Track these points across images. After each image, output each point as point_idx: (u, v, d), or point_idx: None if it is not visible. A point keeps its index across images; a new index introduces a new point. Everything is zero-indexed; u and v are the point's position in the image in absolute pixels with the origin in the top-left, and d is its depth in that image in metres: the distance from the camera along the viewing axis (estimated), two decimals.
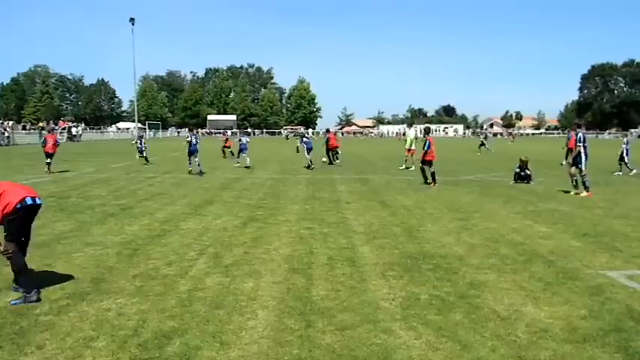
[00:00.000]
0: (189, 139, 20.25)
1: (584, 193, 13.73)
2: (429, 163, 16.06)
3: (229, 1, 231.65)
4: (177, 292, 5.74)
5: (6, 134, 49.82)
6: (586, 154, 14.09)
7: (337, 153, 25.47)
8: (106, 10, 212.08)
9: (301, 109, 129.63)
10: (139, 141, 26.61)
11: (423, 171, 16.27)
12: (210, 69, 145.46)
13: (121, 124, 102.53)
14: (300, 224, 9.67)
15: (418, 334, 4.65)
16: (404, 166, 22.73)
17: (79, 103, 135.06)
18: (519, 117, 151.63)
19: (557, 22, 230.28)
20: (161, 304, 5.38)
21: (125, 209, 11.35)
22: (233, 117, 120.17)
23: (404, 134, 37.07)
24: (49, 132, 27.56)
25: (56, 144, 21.62)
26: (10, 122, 68.89)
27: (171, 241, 8.24)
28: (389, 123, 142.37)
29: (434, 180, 15.96)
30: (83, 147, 46.09)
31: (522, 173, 16.85)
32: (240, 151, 24.29)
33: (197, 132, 30.02)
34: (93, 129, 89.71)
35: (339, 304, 5.40)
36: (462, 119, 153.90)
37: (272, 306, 5.33)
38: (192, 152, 19.84)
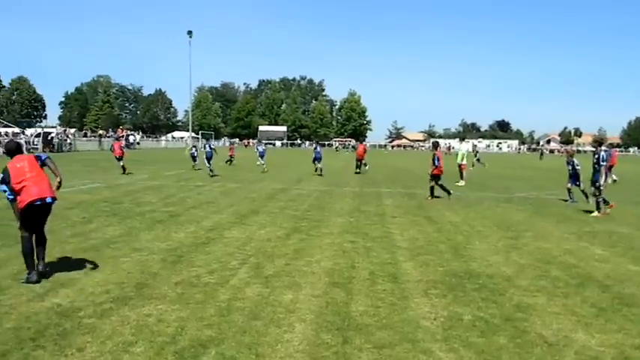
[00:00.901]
0: (206, 148, 25.70)
1: (596, 213, 13.25)
2: (438, 178, 15.91)
3: (284, 14, 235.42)
4: (216, 301, 5.77)
5: (68, 141, 52.12)
6: (606, 173, 14.08)
7: (362, 163, 28.08)
8: (165, 24, 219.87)
9: (351, 122, 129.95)
10: (193, 149, 29.92)
11: (441, 187, 16.01)
12: (263, 81, 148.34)
13: (176, 134, 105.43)
14: (343, 237, 9.60)
15: (459, 357, 4.49)
16: (462, 182, 21.88)
17: (138, 112, 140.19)
18: (578, 134, 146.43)
19: (620, 36, 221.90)
20: (200, 312, 5.41)
21: (173, 216, 11.59)
22: (283, 128, 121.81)
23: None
24: (116, 139, 32.25)
25: (122, 148, 25.38)
26: (73, 129, 72.01)
27: (214, 250, 8.33)
28: (440, 137, 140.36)
29: (432, 194, 15.85)
30: (139, 155, 47.55)
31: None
32: (261, 156, 29.78)
33: (211, 142, 37.81)
34: (149, 137, 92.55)
35: (378, 321, 5.30)
36: (517, 135, 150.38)
37: (310, 319, 5.28)
38: (208, 158, 24.62)
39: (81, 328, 4.90)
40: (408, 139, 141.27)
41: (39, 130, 57.89)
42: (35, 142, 48.53)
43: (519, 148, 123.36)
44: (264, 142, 43.49)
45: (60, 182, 6.91)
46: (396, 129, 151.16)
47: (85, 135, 75.75)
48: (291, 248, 8.56)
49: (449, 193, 15.93)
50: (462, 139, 27.17)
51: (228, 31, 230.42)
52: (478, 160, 37.54)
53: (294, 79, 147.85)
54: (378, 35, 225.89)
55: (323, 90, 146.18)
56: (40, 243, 6.78)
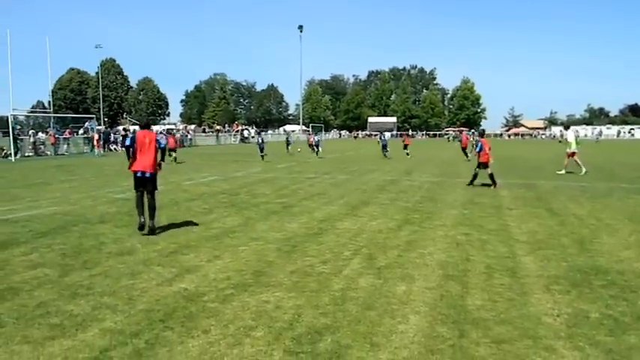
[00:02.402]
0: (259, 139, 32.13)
1: None
2: (484, 166, 15.90)
3: (394, 3, 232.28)
4: (331, 290, 5.87)
5: (189, 136, 55.56)
6: None
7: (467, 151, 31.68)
8: (276, 20, 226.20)
9: (464, 110, 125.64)
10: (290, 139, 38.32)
11: (474, 175, 16.25)
12: (373, 72, 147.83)
13: (288, 127, 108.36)
14: (456, 229, 9.34)
15: (584, 356, 4.21)
16: (563, 171, 20.97)
17: (251, 107, 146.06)
18: None
19: None
20: (315, 300, 5.54)
21: (286, 207, 11.94)
22: (393, 119, 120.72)
23: (561, 136, 34.21)
24: (170, 134, 35.26)
25: (176, 142, 29.91)
26: (193, 126, 76.58)
27: (327, 240, 8.47)
28: (562, 124, 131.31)
29: (493, 182, 15.64)
30: (253, 149, 49.50)
31: None
32: (316, 145, 34.79)
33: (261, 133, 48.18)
34: (262, 131, 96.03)
35: (495, 316, 5.10)
36: None
37: (424, 312, 5.21)
38: (261, 148, 30.42)
39: (205, 312, 5.21)
40: (527, 127, 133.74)
41: (163, 127, 62.36)
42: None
43: None
44: (386, 133, 45.70)
45: (160, 164, 9.35)
46: (513, 116, 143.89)
47: (204, 130, 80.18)
48: (403, 240, 8.49)
49: (471, 183, 16.16)
50: (567, 127, 25.21)
51: (338, 24, 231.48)
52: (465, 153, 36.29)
53: (404, 69, 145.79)
54: (493, 19, 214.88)
55: (434, 78, 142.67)
56: (149, 207, 8.97)
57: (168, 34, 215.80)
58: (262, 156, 30.25)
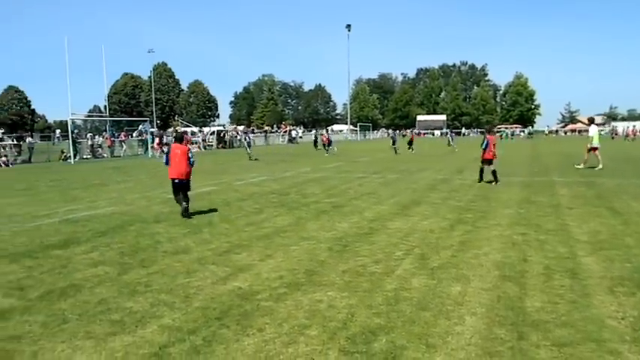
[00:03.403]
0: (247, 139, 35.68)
1: None
2: (489, 162, 16.18)
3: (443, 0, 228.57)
4: (383, 290, 5.81)
5: (238, 137, 56.45)
6: None
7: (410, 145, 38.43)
8: (324, 20, 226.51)
9: (517, 107, 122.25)
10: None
11: (481, 171, 16.45)
12: (422, 69, 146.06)
13: (335, 127, 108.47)
14: (512, 229, 9.08)
15: None
16: (582, 165, 21.18)
17: (299, 107, 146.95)
18: None
19: None
20: (368, 300, 5.49)
21: (336, 207, 11.93)
22: (443, 117, 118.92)
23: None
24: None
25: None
26: (242, 127, 77.72)
27: (378, 240, 8.40)
28: (623, 119, 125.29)
29: (495, 179, 15.92)
30: (300, 149, 49.85)
31: None
32: (329, 145, 37.52)
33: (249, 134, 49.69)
34: (310, 131, 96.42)
35: (556, 318, 4.93)
36: None
37: (480, 313, 5.08)
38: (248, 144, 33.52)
39: (260, 310, 5.25)
40: (584, 123, 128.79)
41: (213, 128, 63.64)
42: (210, 140, 53.30)
43: None
44: (452, 132, 49.30)
45: (187, 172, 10.98)
46: (569, 112, 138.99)
47: (252, 131, 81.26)
48: (457, 240, 8.32)
49: (480, 181, 16.26)
50: (592, 122, 24.49)
51: (386, 22, 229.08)
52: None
53: (454, 65, 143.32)
54: (548, 12, 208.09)
55: (486, 75, 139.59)
56: (183, 198, 10.94)
57: (217, 37, 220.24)
58: (249, 155, 32.11)
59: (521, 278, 6.21)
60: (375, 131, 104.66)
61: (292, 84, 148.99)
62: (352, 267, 6.82)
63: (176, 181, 10.88)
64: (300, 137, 74.40)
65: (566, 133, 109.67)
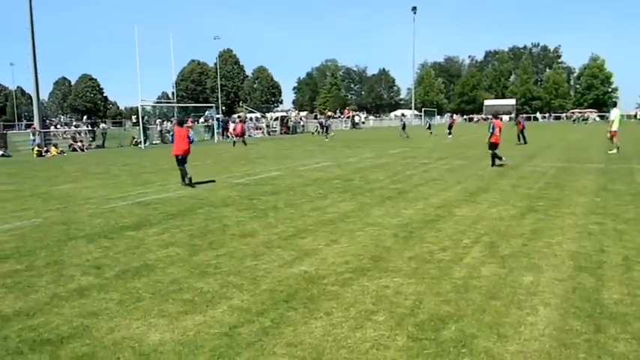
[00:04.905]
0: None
1: None
2: (494, 146, 16.71)
3: None
4: (452, 278, 5.70)
5: (301, 123, 56.94)
6: None
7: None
8: (388, 3, 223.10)
9: (593, 90, 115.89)
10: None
11: (494, 155, 16.85)
12: (490, 52, 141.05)
13: (399, 112, 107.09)
14: (588, 218, 8.67)
15: None
16: (614, 150, 21.15)
17: (362, 92, 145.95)
18: None
19: None
20: (436, 287, 5.41)
21: (401, 193, 11.80)
22: (512, 101, 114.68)
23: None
24: (241, 121, 39.15)
25: (243, 128, 34.68)
26: (304, 112, 78.17)
27: (445, 227, 8.24)
28: None
29: (493, 162, 16.64)
30: (364, 134, 49.62)
31: None
32: (327, 128, 40.27)
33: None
34: (374, 117, 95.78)
35: (636, 311, 4.68)
36: None
37: (554, 304, 4.89)
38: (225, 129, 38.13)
39: (326, 295, 5.28)
40: None
41: (277, 114, 64.42)
42: (274, 125, 53.95)
43: None
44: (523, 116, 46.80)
45: (187, 150, 14.04)
46: None
47: (315, 117, 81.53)
48: (527, 228, 8.04)
49: (495, 161, 16.71)
50: (614, 106, 23.75)
51: (453, 3, 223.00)
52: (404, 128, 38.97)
53: (524, 47, 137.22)
54: None
55: (559, 57, 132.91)
56: (185, 171, 13.80)
57: (280, 23, 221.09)
58: (233, 142, 33.65)
59: (598, 269, 5.93)
60: (439, 116, 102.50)
61: (355, 69, 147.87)
62: (419, 254, 6.73)
63: (180, 157, 13.90)
64: (363, 122, 74.00)
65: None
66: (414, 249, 6.97)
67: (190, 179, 13.65)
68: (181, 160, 13.92)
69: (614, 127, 21.55)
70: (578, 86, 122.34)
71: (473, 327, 4.40)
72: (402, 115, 63.91)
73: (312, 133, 42.98)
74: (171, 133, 15.06)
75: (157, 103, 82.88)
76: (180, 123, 14.73)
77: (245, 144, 31.97)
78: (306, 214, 9.59)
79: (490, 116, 22.86)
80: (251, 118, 60.45)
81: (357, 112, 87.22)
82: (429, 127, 41.57)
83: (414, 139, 36.05)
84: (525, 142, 27.54)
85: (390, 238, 7.63)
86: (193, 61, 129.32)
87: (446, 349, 4.03)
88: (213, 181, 14.78)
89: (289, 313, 4.82)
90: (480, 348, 4.03)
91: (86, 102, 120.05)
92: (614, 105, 23.25)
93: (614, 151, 21.11)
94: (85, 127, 41.62)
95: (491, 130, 16.84)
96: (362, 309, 4.86)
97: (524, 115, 39.09)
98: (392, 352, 4.00)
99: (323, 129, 42.24)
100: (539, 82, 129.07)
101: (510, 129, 30.64)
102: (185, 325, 4.59)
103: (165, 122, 47.32)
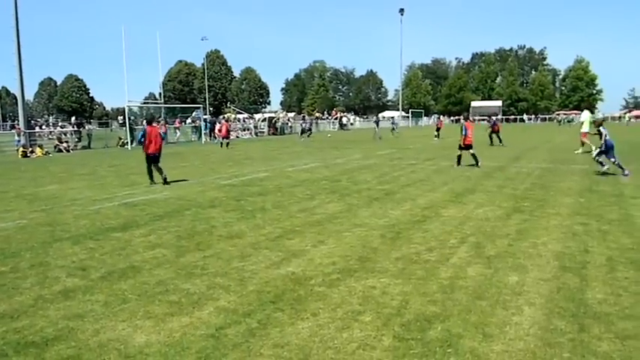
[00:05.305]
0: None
1: None
2: (468, 147, 17.27)
3: None
4: (438, 278, 5.74)
5: (289, 124, 56.93)
6: None
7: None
8: (376, 4, 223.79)
9: (578, 92, 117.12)
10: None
11: (458, 157, 17.59)
12: (477, 54, 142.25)
13: (386, 113, 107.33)
14: (572, 219, 8.77)
15: None
16: (579, 150, 22.33)
17: (350, 94, 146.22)
18: None
19: None
20: (423, 288, 5.44)
21: (388, 194, 11.84)
22: (498, 103, 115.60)
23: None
24: (226, 121, 39.94)
25: (228, 130, 34.12)
26: (292, 113, 78.12)
27: (431, 228, 8.29)
28: None
29: (476, 162, 17.08)
30: (351, 135, 49.71)
31: None
32: (309, 130, 42.86)
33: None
34: (362, 118, 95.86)
35: (619, 311, 4.74)
36: None
37: (539, 304, 4.94)
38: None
39: (313, 295, 5.29)
40: None
41: (265, 115, 64.37)
42: (262, 126, 53.87)
43: None
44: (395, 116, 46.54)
45: (160, 148, 14.39)
46: (633, 98, 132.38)
47: (303, 118, 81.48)
48: (513, 229, 8.11)
49: (457, 164, 17.41)
50: (587, 107, 25.78)
51: (440, 6, 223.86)
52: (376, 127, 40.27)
53: (510, 50, 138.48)
54: None
55: (544, 59, 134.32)
56: (158, 170, 14.15)
57: (268, 24, 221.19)
58: (220, 143, 33.55)
59: (582, 269, 6.00)
60: (427, 117, 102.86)
61: (343, 70, 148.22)
62: (406, 254, 6.76)
63: (154, 155, 14.15)
64: (352, 124, 74.07)
65: (630, 119, 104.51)
66: (400, 249, 7.01)
67: (165, 178, 14.11)
68: (154, 159, 14.22)
69: (584, 129, 22.42)
70: (563, 88, 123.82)
71: (459, 327, 4.43)
72: (376, 116, 64.01)
73: (300, 135, 42.99)
74: (141, 134, 14.59)
75: (144, 103, 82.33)
76: (150, 122, 15.17)
77: (227, 146, 31.38)
78: (294, 215, 9.59)
79: (476, 118, 23.36)
80: (239, 119, 60.27)
81: (345, 114, 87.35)
82: (393, 129, 42.55)
83: (399, 141, 36.15)
84: (501, 143, 28.22)
85: (377, 238, 7.65)
86: (181, 61, 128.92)
87: (432, 349, 4.06)
88: (198, 182, 14.73)
89: (276, 314, 4.82)
90: (466, 348, 4.06)
91: (72, 102, 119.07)
92: (587, 107, 24.59)
93: (580, 150, 22.26)
94: (70, 128, 41.17)
95: (463, 132, 17.36)
96: (349, 309, 4.88)
97: (495, 118, 38.72)
98: (378, 353, 4.01)
99: (305, 132, 42.60)
100: (525, 84, 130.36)
101: (485, 131, 30.94)
102: (171, 327, 4.57)
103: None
